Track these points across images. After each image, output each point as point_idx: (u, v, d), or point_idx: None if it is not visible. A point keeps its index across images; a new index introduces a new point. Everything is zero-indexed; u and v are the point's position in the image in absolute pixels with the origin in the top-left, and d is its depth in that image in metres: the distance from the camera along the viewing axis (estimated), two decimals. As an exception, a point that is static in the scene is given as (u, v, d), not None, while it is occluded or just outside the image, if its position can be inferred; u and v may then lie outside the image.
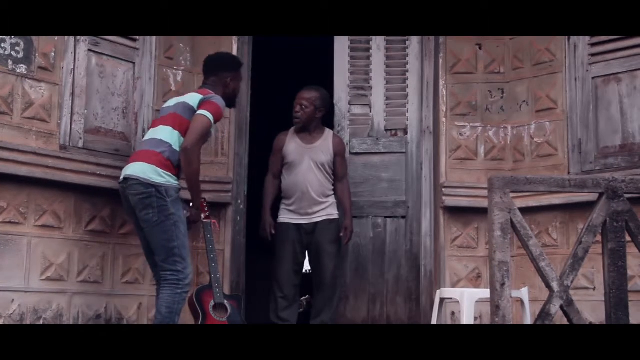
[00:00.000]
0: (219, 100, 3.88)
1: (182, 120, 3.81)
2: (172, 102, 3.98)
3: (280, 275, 4.55)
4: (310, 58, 6.28)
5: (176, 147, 3.79)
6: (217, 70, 4.06)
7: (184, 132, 3.79)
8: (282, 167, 4.69)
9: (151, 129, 3.91)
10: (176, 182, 3.77)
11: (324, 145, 4.63)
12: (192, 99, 3.87)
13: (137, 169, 3.71)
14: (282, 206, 4.68)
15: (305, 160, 4.60)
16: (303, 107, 4.61)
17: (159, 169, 3.70)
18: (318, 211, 4.58)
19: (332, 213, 4.62)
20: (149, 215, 3.67)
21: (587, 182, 2.93)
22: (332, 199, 4.64)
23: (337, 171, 4.66)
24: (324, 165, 4.60)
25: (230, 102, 4.14)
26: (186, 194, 3.90)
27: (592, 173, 4.28)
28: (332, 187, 4.67)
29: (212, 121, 3.80)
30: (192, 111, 3.82)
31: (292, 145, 4.66)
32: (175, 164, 3.78)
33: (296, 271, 4.61)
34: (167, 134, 3.79)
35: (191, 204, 3.92)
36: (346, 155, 4.83)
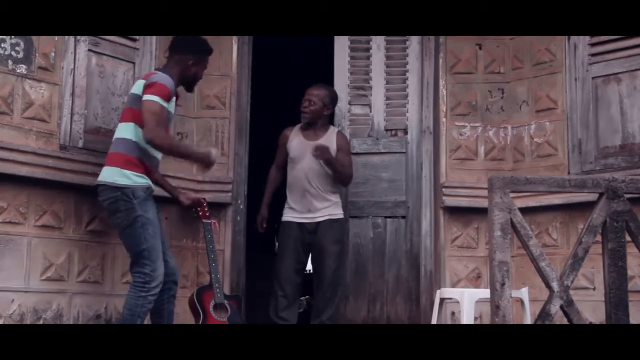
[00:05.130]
0: (161, 78, 3.72)
1: (133, 110, 3.73)
2: (129, 95, 3.89)
3: (281, 273, 4.55)
4: (310, 58, 6.29)
5: (133, 137, 3.71)
6: (181, 50, 3.93)
7: (139, 121, 3.70)
8: (287, 161, 4.70)
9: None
10: (144, 182, 3.70)
11: (327, 141, 4.62)
12: (137, 87, 3.77)
13: (103, 174, 3.69)
14: (286, 205, 4.69)
15: (308, 156, 4.59)
16: (311, 102, 4.63)
17: (124, 170, 3.65)
18: (321, 209, 4.57)
19: (336, 213, 4.60)
20: (118, 219, 3.66)
21: (587, 182, 2.93)
22: (335, 198, 4.63)
23: (339, 163, 4.64)
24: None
25: (189, 86, 4.01)
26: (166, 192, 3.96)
27: (592, 173, 4.28)
28: (336, 186, 4.66)
29: (161, 102, 3.65)
30: (139, 99, 3.72)
31: (295, 141, 4.68)
32: (140, 158, 3.71)
33: (297, 270, 4.60)
34: (127, 131, 3.72)
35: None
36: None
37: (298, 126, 4.75)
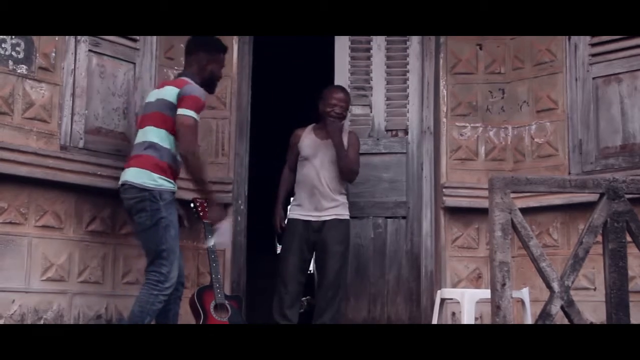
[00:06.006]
0: (195, 91, 3.80)
1: (164, 117, 3.76)
2: (152, 97, 3.91)
3: (285, 271, 4.53)
4: (311, 58, 6.29)
5: (166, 145, 3.76)
6: (196, 50, 3.98)
7: (170, 129, 3.77)
8: (297, 162, 4.70)
9: (140, 130, 3.87)
10: (171, 185, 3.76)
11: None
12: (170, 94, 3.79)
13: (131, 174, 3.73)
14: (292, 202, 4.69)
15: (320, 155, 4.59)
16: (343, 108, 4.62)
17: (153, 173, 3.70)
18: (328, 209, 4.56)
19: (342, 213, 4.59)
20: (141, 218, 3.69)
21: (588, 182, 2.93)
22: (343, 199, 4.61)
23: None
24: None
25: (209, 87, 4.03)
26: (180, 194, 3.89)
27: (593, 173, 4.28)
28: (345, 188, 4.67)
29: (196, 117, 3.75)
30: (172, 107, 3.76)
31: (307, 140, 4.67)
32: (171, 164, 3.78)
33: (302, 268, 4.58)
34: (156, 135, 3.76)
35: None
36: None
37: (310, 126, 4.75)
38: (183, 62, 4.17)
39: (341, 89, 4.71)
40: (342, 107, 4.61)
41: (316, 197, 4.56)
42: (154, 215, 3.67)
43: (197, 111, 3.77)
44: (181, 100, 3.76)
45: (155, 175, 3.71)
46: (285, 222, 4.68)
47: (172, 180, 3.78)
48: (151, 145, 3.75)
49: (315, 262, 4.69)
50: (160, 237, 3.67)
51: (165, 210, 3.69)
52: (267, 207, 4.77)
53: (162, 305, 3.68)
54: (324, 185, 4.56)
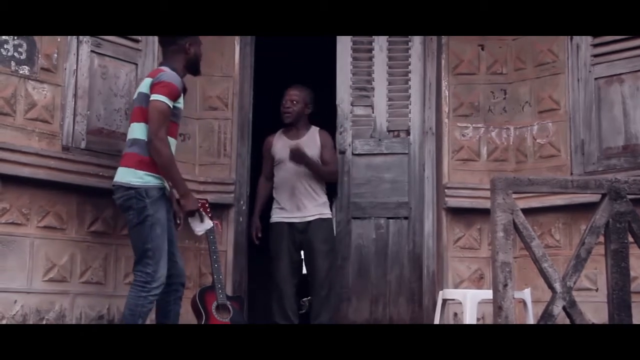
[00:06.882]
0: (168, 76, 3.70)
1: (143, 110, 3.71)
2: (136, 93, 3.87)
3: (278, 275, 4.57)
4: (313, 59, 6.28)
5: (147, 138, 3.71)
6: (173, 40, 3.88)
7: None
8: (274, 168, 4.71)
9: (128, 129, 3.83)
10: (158, 181, 3.69)
11: (310, 139, 4.68)
12: (146, 85, 3.75)
13: (118, 175, 3.71)
14: (274, 206, 4.70)
15: None
16: (294, 102, 4.67)
17: (137, 170, 3.66)
18: (310, 208, 4.58)
19: (325, 212, 4.63)
20: (129, 216, 3.67)
21: (590, 183, 2.93)
22: (324, 198, 4.65)
23: (324, 160, 4.66)
24: (312, 158, 4.61)
25: (194, 69, 3.97)
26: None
27: (595, 174, 4.27)
28: (324, 185, 4.69)
29: (167, 102, 3.65)
30: (147, 98, 3.70)
31: (279, 144, 4.72)
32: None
33: (293, 269, 4.61)
34: (138, 131, 3.71)
35: (177, 196, 3.79)
36: (346, 156, 4.85)
37: (280, 131, 4.80)
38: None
39: (295, 85, 4.74)
40: (292, 101, 4.66)
41: (297, 197, 4.59)
42: (141, 213, 3.63)
43: (170, 97, 3.66)
44: (153, 87, 3.69)
45: (141, 172, 3.66)
46: (260, 232, 4.71)
47: (159, 176, 3.70)
48: (135, 142, 3.71)
49: (305, 263, 4.73)
50: (146, 235, 3.62)
51: (151, 207, 3.64)
52: (269, 208, 4.78)
53: (152, 306, 3.65)
54: (303, 184, 4.59)
